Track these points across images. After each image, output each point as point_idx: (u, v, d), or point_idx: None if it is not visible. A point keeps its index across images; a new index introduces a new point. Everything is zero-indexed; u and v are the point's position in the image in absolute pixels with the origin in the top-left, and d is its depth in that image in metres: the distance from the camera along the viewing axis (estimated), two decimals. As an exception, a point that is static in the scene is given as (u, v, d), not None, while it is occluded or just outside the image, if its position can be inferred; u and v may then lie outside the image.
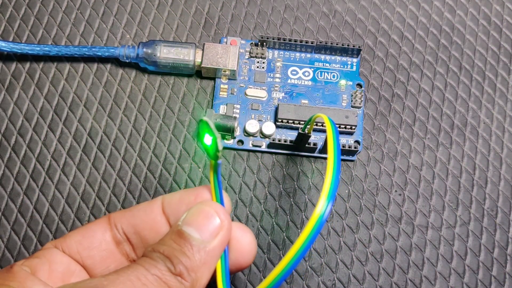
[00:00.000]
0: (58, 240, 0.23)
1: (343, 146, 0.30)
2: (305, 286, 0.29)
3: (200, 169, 0.31)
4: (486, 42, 0.34)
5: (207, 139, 0.21)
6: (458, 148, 0.32)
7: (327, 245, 0.30)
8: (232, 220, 0.30)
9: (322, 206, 0.19)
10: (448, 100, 0.33)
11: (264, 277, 0.29)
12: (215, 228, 0.21)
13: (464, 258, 0.30)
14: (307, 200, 0.30)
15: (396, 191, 0.31)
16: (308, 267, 0.29)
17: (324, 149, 0.30)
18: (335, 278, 0.29)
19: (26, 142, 0.31)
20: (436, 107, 0.33)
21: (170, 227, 0.23)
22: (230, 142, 0.31)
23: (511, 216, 0.31)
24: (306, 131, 0.28)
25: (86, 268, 0.22)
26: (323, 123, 0.30)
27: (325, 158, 0.31)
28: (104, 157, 0.31)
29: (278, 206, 0.30)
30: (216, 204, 0.22)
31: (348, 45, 0.32)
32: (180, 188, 0.30)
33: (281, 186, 0.31)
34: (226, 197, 0.23)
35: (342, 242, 0.30)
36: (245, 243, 0.22)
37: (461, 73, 0.33)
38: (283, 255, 0.29)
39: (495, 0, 0.35)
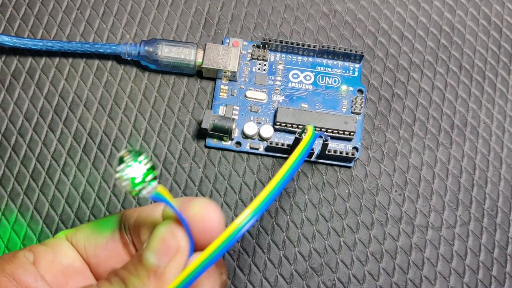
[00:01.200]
0: (70, 231, 0.22)
1: (341, 152, 0.30)
2: (305, 286, 0.29)
3: (200, 169, 0.31)
4: (486, 42, 0.34)
5: (132, 171, 0.18)
6: (458, 148, 0.32)
7: (327, 245, 0.30)
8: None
9: (243, 219, 0.18)
10: (448, 100, 0.33)
11: (265, 277, 0.29)
12: (171, 252, 0.20)
13: (464, 258, 0.30)
14: (307, 200, 0.30)
15: (396, 191, 0.31)
16: (308, 267, 0.29)
17: (322, 155, 0.30)
18: (335, 278, 0.29)
19: (26, 142, 0.31)
20: (436, 107, 0.33)
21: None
22: (228, 144, 0.31)
23: (511, 216, 0.31)
24: (303, 137, 0.28)
25: (91, 266, 0.22)
26: (321, 128, 0.30)
27: (323, 163, 0.31)
28: (104, 157, 0.31)
29: (278, 206, 0.30)
30: (174, 224, 0.20)
31: (350, 51, 0.32)
32: (180, 188, 0.30)
33: (281, 186, 0.31)
34: (213, 210, 0.21)
35: (342, 242, 0.30)
36: (211, 219, 0.21)
37: (461, 73, 0.33)
38: (283, 255, 0.29)
39: (495, 0, 0.35)
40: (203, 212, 0.20)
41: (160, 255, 0.19)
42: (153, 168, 0.18)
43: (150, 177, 0.18)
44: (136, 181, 0.18)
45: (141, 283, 0.19)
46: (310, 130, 0.24)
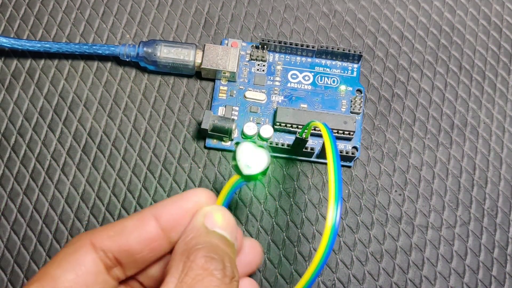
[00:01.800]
0: (46, 285, 0.20)
1: (341, 152, 0.30)
2: (305, 286, 0.29)
3: (200, 169, 0.31)
4: (486, 42, 0.34)
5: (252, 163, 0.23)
6: (458, 148, 0.32)
7: (327, 245, 0.30)
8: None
9: (331, 216, 0.20)
10: (448, 100, 0.33)
11: (264, 278, 0.29)
12: (238, 234, 0.22)
13: (464, 258, 0.30)
14: (307, 200, 0.30)
15: (396, 191, 0.31)
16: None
17: (322, 154, 0.30)
18: (335, 278, 0.29)
19: (26, 142, 0.31)
20: (436, 107, 0.33)
21: (171, 239, 0.22)
22: (228, 144, 0.31)
23: (511, 216, 0.31)
24: (304, 136, 0.28)
25: None
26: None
27: (323, 163, 0.31)
28: (104, 157, 0.31)
29: (278, 206, 0.30)
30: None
31: (349, 51, 0.32)
32: (180, 189, 0.30)
33: (281, 186, 0.31)
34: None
35: (342, 242, 0.30)
36: (254, 259, 0.24)
37: (461, 73, 0.33)
38: (283, 255, 0.29)
39: (495, 0, 0.35)
40: (251, 250, 0.24)
41: (235, 239, 0.22)
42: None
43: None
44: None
45: (232, 259, 0.21)
46: (320, 125, 0.24)
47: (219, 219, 0.21)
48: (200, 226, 0.21)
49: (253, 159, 0.23)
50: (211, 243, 0.20)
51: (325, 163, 0.31)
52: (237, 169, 0.23)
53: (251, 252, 0.24)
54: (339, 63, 0.33)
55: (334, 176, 0.20)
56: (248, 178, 0.23)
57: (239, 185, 0.23)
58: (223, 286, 0.19)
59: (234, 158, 0.23)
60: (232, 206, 0.30)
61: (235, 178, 0.23)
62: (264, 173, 0.23)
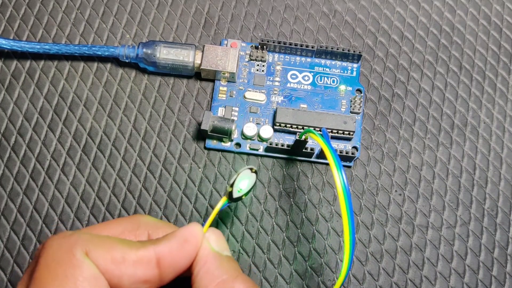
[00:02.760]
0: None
1: (341, 152, 0.30)
2: (305, 286, 0.29)
3: (200, 169, 0.31)
4: (486, 42, 0.34)
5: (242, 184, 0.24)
6: (458, 148, 0.32)
7: (327, 245, 0.30)
8: (232, 221, 0.30)
9: (338, 177, 0.21)
10: (448, 100, 0.33)
11: (264, 278, 0.29)
12: None
13: (464, 258, 0.30)
14: (307, 200, 0.30)
15: (396, 191, 0.31)
16: (308, 267, 0.29)
17: (322, 154, 0.30)
18: (335, 278, 0.29)
19: (26, 142, 0.31)
20: (436, 107, 0.33)
21: (162, 278, 0.22)
22: (228, 145, 0.31)
23: (511, 216, 0.31)
24: (304, 138, 0.28)
25: None
26: (321, 128, 0.30)
27: (323, 163, 0.31)
28: (104, 157, 0.31)
29: (278, 206, 0.30)
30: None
31: (348, 50, 0.32)
32: (180, 188, 0.30)
33: (281, 186, 0.31)
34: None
35: (342, 242, 0.30)
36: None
37: (461, 73, 0.33)
38: (283, 255, 0.29)
39: (495, 0, 0.35)
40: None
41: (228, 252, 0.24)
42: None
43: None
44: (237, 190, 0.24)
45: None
46: (313, 136, 0.25)
47: (221, 242, 0.24)
48: (213, 254, 0.23)
49: (245, 183, 0.25)
50: (231, 269, 0.23)
51: (325, 163, 0.31)
52: (229, 195, 0.24)
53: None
54: (338, 63, 0.33)
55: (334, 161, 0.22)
56: (234, 201, 0.25)
57: (222, 208, 0.24)
58: None
59: (231, 185, 0.24)
60: (232, 206, 0.30)
61: (222, 202, 0.24)
62: (248, 193, 0.25)
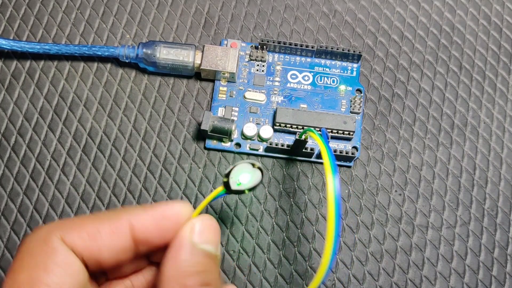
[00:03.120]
0: None
1: (341, 152, 0.30)
2: (305, 286, 0.29)
3: (200, 169, 0.31)
4: (486, 42, 0.34)
5: (243, 178, 0.23)
6: (458, 148, 0.32)
7: (327, 245, 0.30)
8: (231, 221, 0.30)
9: (331, 183, 0.20)
10: (448, 100, 0.33)
11: (264, 278, 0.29)
12: (219, 241, 0.21)
13: (464, 258, 0.30)
14: (307, 200, 0.30)
15: (396, 191, 0.31)
16: (308, 267, 0.29)
17: (320, 155, 0.30)
18: (335, 278, 0.29)
19: (26, 142, 0.31)
20: (436, 107, 0.33)
21: (138, 251, 0.21)
22: (228, 145, 0.31)
23: (511, 216, 0.31)
24: (303, 138, 0.28)
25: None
26: (321, 128, 0.30)
27: (323, 163, 0.31)
28: (104, 157, 0.31)
29: (278, 206, 0.30)
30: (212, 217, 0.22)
31: (348, 50, 0.32)
32: (180, 188, 0.30)
33: (281, 186, 0.31)
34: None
35: (342, 242, 0.30)
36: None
37: (461, 73, 0.33)
38: (283, 255, 0.29)
39: (495, 0, 0.35)
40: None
41: (216, 247, 0.21)
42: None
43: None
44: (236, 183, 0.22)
45: (214, 273, 0.21)
46: (312, 134, 0.25)
47: (206, 233, 0.21)
48: (188, 243, 0.20)
49: (246, 177, 0.23)
50: (204, 266, 0.20)
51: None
52: (226, 185, 0.22)
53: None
54: (338, 63, 0.33)
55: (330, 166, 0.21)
56: (234, 193, 0.23)
57: (218, 197, 0.23)
58: None
59: (226, 176, 0.22)
60: (232, 206, 0.30)
61: (218, 190, 0.22)
62: (252, 189, 0.23)
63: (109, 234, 0.20)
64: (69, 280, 0.19)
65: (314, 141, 0.31)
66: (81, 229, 0.20)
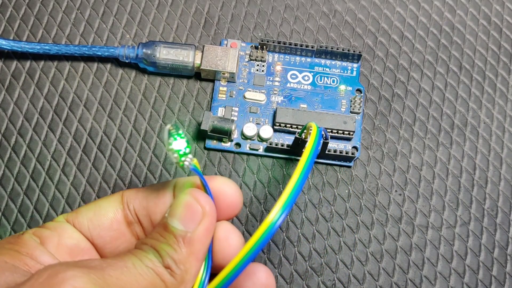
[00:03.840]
0: (70, 214, 0.22)
1: (341, 152, 0.30)
2: (305, 286, 0.29)
3: (200, 169, 0.31)
4: (486, 42, 0.34)
5: (177, 144, 0.21)
6: (458, 148, 0.32)
7: (327, 245, 0.30)
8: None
9: (275, 214, 0.19)
10: (448, 100, 0.33)
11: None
12: (197, 217, 0.20)
13: (464, 258, 0.30)
14: (307, 200, 0.30)
15: (396, 191, 0.31)
16: (308, 267, 0.29)
17: (321, 154, 0.30)
18: (335, 278, 0.29)
19: (26, 142, 0.31)
20: (436, 107, 0.33)
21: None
22: (228, 145, 0.31)
23: (511, 216, 0.31)
24: (303, 136, 0.28)
25: (96, 246, 0.22)
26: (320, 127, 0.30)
27: (322, 163, 0.31)
28: (104, 157, 0.31)
29: (278, 206, 0.30)
30: (197, 191, 0.21)
31: (348, 50, 0.32)
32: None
33: (281, 186, 0.31)
34: (232, 186, 0.23)
35: (342, 242, 0.30)
36: (229, 193, 0.23)
37: (461, 73, 0.33)
38: (283, 255, 0.29)
39: (495, 0, 0.35)
40: (223, 186, 0.22)
41: (187, 222, 0.20)
42: (188, 142, 0.21)
43: (188, 150, 0.21)
44: (181, 153, 0.20)
45: (172, 249, 0.20)
46: (314, 127, 0.24)
47: (170, 206, 0.21)
48: (161, 220, 0.21)
49: (179, 143, 0.21)
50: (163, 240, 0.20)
51: (325, 163, 0.31)
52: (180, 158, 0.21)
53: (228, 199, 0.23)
54: (338, 63, 0.33)
55: (298, 177, 0.20)
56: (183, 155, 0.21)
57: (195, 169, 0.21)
58: (155, 274, 0.19)
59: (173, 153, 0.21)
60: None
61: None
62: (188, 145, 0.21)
63: (160, 195, 0.23)
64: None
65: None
66: (140, 189, 0.23)
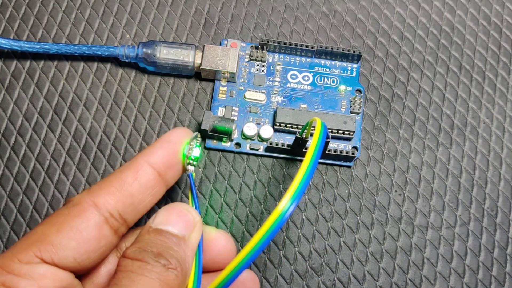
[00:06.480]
0: (49, 251, 0.20)
1: (341, 152, 0.30)
2: (305, 286, 0.29)
3: (199, 169, 0.31)
4: (486, 42, 0.34)
5: (192, 151, 0.25)
6: (458, 148, 0.32)
7: (327, 245, 0.30)
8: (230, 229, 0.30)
9: (285, 204, 0.20)
10: (448, 100, 0.33)
11: (265, 278, 0.29)
12: (189, 223, 0.22)
13: (464, 258, 0.30)
14: (307, 200, 0.30)
15: (396, 191, 0.31)
16: (308, 267, 0.29)
17: (322, 154, 0.30)
18: (335, 278, 0.29)
19: (26, 141, 0.31)
20: (436, 107, 0.33)
21: (167, 182, 0.24)
22: (228, 145, 0.31)
23: (511, 216, 0.31)
24: (304, 136, 0.28)
25: (83, 268, 0.21)
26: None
27: (323, 163, 0.31)
28: (104, 157, 0.31)
29: (278, 206, 0.30)
30: (185, 204, 0.23)
31: (348, 51, 0.32)
32: (180, 188, 0.30)
33: (281, 186, 0.31)
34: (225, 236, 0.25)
35: (342, 242, 0.30)
36: (222, 244, 0.25)
37: (461, 73, 0.33)
38: (283, 255, 0.29)
39: (495, 0, 0.35)
40: (219, 239, 0.25)
41: (182, 228, 0.22)
42: (200, 156, 0.25)
43: (195, 162, 0.25)
44: (192, 159, 0.25)
45: (177, 252, 0.21)
46: (318, 120, 0.24)
47: (166, 216, 0.22)
48: (146, 229, 0.22)
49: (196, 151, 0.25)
50: (162, 243, 0.21)
51: (325, 163, 0.31)
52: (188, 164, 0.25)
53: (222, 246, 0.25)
54: (338, 63, 0.33)
55: (306, 169, 0.21)
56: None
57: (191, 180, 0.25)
58: (163, 283, 0.20)
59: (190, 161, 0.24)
60: (232, 206, 0.30)
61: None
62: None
63: (133, 176, 0.22)
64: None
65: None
66: (107, 185, 0.22)
